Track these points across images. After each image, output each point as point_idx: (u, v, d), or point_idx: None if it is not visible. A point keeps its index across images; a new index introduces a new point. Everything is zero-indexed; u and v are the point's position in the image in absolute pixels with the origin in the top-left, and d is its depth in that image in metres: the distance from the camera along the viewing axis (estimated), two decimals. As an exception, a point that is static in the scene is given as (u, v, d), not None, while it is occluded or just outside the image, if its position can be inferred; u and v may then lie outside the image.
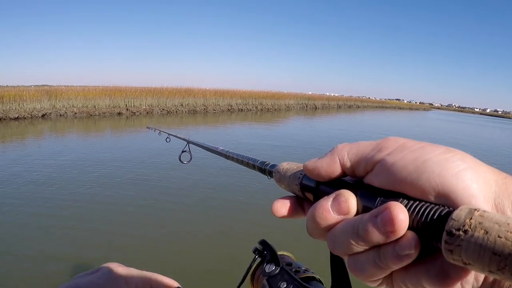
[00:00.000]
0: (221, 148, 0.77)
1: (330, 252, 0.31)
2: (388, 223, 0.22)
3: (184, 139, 1.40)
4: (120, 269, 0.44)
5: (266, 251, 0.50)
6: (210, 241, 4.18)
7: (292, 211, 0.33)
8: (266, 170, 0.43)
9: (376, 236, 0.22)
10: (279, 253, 0.50)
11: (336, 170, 0.29)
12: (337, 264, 0.34)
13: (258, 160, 0.48)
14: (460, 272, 0.21)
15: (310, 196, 0.32)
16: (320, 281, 0.46)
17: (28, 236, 4.15)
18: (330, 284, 0.38)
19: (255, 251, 0.51)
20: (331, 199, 0.27)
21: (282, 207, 0.33)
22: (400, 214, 0.22)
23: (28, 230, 4.30)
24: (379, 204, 0.24)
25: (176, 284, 0.46)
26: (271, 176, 0.41)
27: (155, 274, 0.46)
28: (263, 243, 0.51)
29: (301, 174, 0.33)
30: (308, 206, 0.32)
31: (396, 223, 0.21)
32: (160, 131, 2.32)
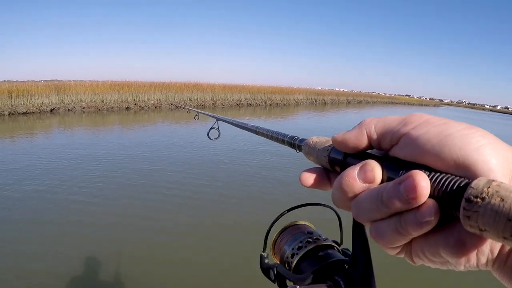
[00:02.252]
0: (251, 124, 0.79)
1: (353, 220, 0.33)
2: (410, 190, 0.22)
3: (213, 116, 1.42)
4: None
5: None
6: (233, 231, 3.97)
7: (319, 182, 0.34)
8: (295, 144, 0.44)
9: (399, 202, 0.23)
10: (300, 222, 0.53)
11: (363, 142, 0.30)
12: (358, 232, 0.35)
13: (287, 135, 0.50)
14: (476, 242, 0.22)
15: (337, 168, 0.33)
16: (339, 250, 0.47)
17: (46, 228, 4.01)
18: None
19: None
20: (358, 168, 0.28)
21: (310, 177, 0.34)
22: (422, 181, 0.22)
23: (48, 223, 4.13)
24: (402, 174, 0.25)
25: None
26: (300, 150, 0.42)
27: None
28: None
29: (329, 147, 0.34)
30: (334, 178, 0.33)
31: (418, 190, 0.22)
32: (189, 109, 2.44)
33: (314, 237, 0.49)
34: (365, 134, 0.29)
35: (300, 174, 0.34)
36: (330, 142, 0.35)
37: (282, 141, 0.52)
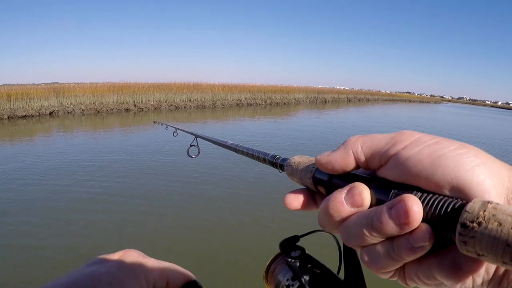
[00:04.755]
0: (231, 142, 0.76)
1: (343, 244, 0.32)
2: (402, 215, 0.22)
3: (191, 133, 1.38)
4: (140, 259, 0.40)
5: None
6: (226, 233, 3.92)
7: (304, 204, 0.33)
8: (278, 163, 0.43)
9: (391, 228, 0.23)
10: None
11: (350, 164, 0.28)
12: (350, 256, 0.35)
13: (268, 154, 0.48)
14: (472, 265, 0.22)
15: (322, 189, 0.32)
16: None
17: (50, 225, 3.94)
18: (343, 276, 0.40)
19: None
20: (345, 191, 0.27)
21: (295, 200, 0.33)
22: (414, 206, 0.22)
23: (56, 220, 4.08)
24: (393, 196, 0.24)
25: (192, 277, 0.44)
26: (283, 170, 0.41)
27: (172, 265, 0.42)
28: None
29: (313, 167, 0.33)
30: (320, 199, 0.32)
31: (411, 215, 0.22)
32: (167, 125, 2.26)
33: (309, 265, 0.46)
34: (352, 155, 0.28)
35: (285, 198, 0.33)
36: (314, 162, 0.33)
37: (264, 160, 0.50)
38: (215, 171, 6.24)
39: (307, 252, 0.50)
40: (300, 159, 0.37)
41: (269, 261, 0.49)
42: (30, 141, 10.01)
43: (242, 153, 0.65)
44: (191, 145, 1.38)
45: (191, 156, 1.38)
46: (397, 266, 0.25)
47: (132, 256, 0.41)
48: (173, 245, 3.71)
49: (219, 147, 0.89)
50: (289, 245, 0.49)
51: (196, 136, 1.34)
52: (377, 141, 0.27)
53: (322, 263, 0.46)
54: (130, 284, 0.36)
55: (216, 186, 5.54)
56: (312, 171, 0.33)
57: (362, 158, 0.28)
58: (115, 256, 0.41)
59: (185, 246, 3.70)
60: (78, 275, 0.34)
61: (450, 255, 0.22)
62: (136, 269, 0.39)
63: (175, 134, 1.96)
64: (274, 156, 0.45)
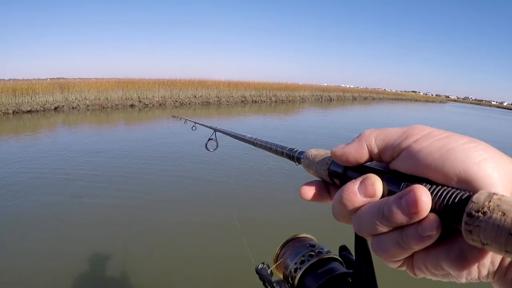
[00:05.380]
0: (249, 135, 0.78)
1: (355, 234, 0.33)
2: (412, 205, 0.23)
3: (210, 127, 1.40)
4: None
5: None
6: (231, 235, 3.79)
7: (319, 195, 0.34)
8: (295, 156, 0.44)
9: (400, 217, 0.24)
10: (302, 235, 0.54)
11: (364, 156, 0.29)
12: (360, 245, 0.36)
13: (286, 147, 0.50)
14: (478, 255, 0.22)
15: (337, 181, 0.33)
16: (341, 263, 0.48)
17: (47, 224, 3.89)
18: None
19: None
20: (358, 182, 0.28)
21: (309, 190, 0.34)
22: (423, 196, 0.23)
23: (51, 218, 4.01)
24: (403, 187, 0.26)
25: None
26: (299, 163, 0.42)
27: None
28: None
29: (329, 159, 0.34)
30: (334, 191, 0.34)
31: (419, 204, 0.23)
32: (186, 119, 2.30)
33: (317, 250, 0.48)
34: (366, 147, 0.29)
35: (300, 188, 0.34)
36: (329, 155, 0.34)
37: (281, 154, 0.51)
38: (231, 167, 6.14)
39: (309, 237, 0.53)
40: (316, 152, 0.38)
41: (279, 247, 0.52)
42: (34, 136, 9.96)
43: (260, 146, 0.65)
44: (209, 139, 1.39)
45: (209, 150, 1.39)
46: (406, 255, 0.26)
47: None
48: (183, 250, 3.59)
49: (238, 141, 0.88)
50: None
51: (215, 130, 1.34)
52: (390, 134, 0.28)
53: (322, 246, 0.49)
54: None
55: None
56: (327, 163, 0.34)
57: (376, 150, 0.29)
58: None
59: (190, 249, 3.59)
60: None
61: (456, 245, 0.23)
62: None
63: (193, 128, 1.98)
64: (291, 150, 0.46)
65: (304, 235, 0.53)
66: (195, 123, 1.94)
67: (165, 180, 5.49)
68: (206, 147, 1.41)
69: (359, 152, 0.29)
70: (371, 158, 0.30)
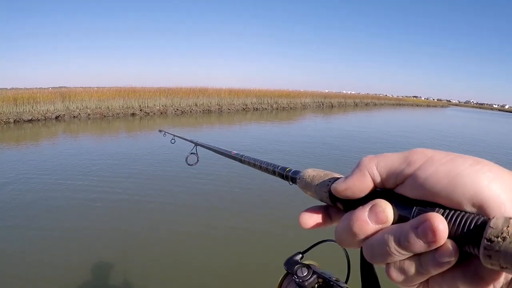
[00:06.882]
0: (235, 151, 0.73)
1: (361, 259, 0.32)
2: (429, 234, 0.23)
3: (191, 141, 1.37)
4: None
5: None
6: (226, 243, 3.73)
7: (320, 222, 0.33)
8: (289, 176, 0.42)
9: (418, 246, 0.24)
10: (305, 262, 0.51)
11: (369, 186, 0.29)
12: (368, 271, 0.35)
13: (278, 166, 0.47)
14: (494, 275, 0.23)
15: (340, 205, 0.32)
16: None
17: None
18: None
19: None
20: (367, 209, 0.27)
21: (310, 218, 0.33)
22: (440, 225, 0.23)
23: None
24: (415, 213, 0.25)
25: None
26: (294, 183, 0.40)
27: None
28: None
29: (329, 181, 0.33)
30: (335, 213, 0.33)
31: (437, 233, 0.23)
32: (165, 132, 2.27)
33: (322, 281, 0.47)
34: (368, 175, 0.28)
35: (300, 217, 0.32)
36: (329, 176, 0.33)
37: (273, 172, 0.48)
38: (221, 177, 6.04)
39: (313, 264, 0.50)
40: (314, 173, 0.36)
41: (279, 281, 0.49)
42: (35, 145, 9.90)
43: (248, 164, 0.60)
44: (190, 153, 1.38)
45: (190, 164, 1.38)
46: (423, 280, 0.26)
47: None
48: (179, 257, 3.52)
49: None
50: (294, 263, 0.49)
51: (196, 144, 1.33)
52: (391, 161, 0.28)
53: (330, 275, 0.46)
54: None
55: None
56: (328, 185, 0.32)
57: (378, 179, 0.28)
58: None
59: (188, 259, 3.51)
60: None
61: (472, 267, 0.24)
62: None
63: (172, 141, 1.94)
64: (284, 168, 0.44)
65: (307, 262, 0.50)
66: (174, 136, 1.89)
67: (165, 188, 5.40)
68: (186, 161, 1.39)
69: (363, 183, 0.28)
70: (374, 187, 0.29)
